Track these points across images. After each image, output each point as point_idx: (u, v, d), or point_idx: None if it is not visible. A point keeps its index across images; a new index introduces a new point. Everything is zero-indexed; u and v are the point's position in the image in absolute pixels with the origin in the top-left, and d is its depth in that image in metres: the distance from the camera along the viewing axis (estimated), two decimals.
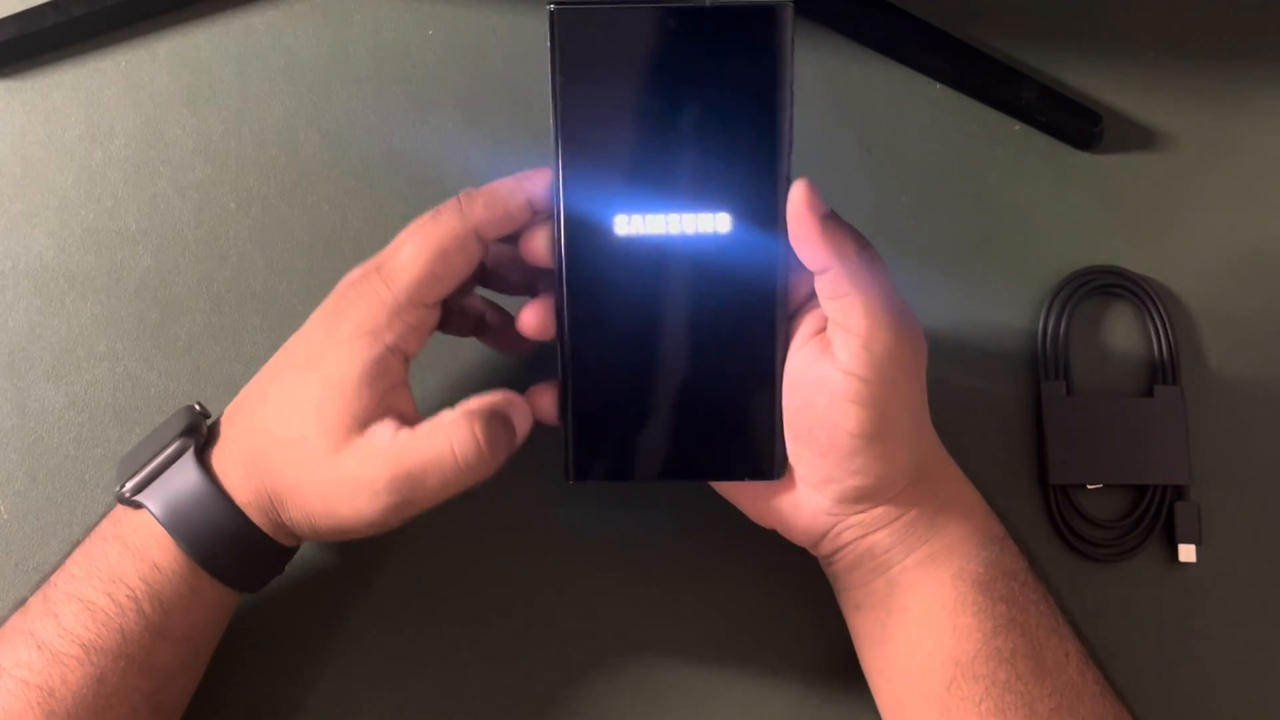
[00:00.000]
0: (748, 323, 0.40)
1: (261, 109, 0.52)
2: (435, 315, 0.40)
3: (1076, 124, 0.51)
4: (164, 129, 0.52)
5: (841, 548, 0.41)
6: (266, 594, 0.43)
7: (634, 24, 0.38)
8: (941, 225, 0.51)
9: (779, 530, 0.42)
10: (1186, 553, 0.48)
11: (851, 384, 0.38)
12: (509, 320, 0.43)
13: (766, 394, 0.40)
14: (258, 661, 0.46)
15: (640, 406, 0.41)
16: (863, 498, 0.40)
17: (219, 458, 0.40)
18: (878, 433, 0.38)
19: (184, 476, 0.39)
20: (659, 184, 0.39)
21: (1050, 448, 0.48)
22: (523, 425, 0.40)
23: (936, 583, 0.40)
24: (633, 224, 0.39)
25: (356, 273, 0.40)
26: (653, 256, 0.39)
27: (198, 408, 0.42)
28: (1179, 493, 0.48)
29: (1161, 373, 0.49)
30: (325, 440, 0.38)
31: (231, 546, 0.39)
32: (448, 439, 0.38)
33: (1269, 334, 0.50)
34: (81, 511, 0.48)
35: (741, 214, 0.39)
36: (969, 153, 0.52)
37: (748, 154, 0.39)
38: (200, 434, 0.41)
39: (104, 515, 0.41)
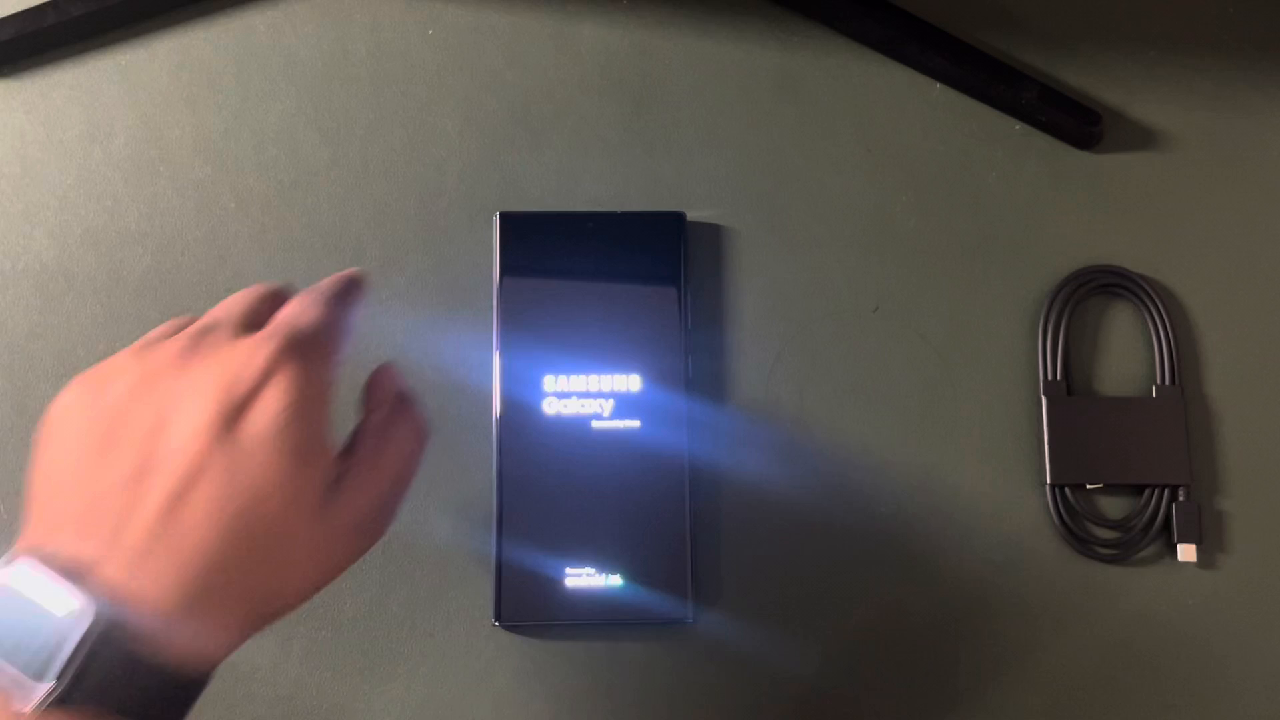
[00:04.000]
0: (658, 480, 0.46)
1: (261, 109, 0.52)
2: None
3: (1076, 124, 0.51)
4: (164, 129, 0.52)
5: None
6: None
7: (562, 226, 0.49)
8: (941, 225, 0.51)
9: None
10: (1186, 553, 0.48)
11: None
12: None
13: (677, 545, 0.46)
14: None
15: (561, 558, 0.46)
16: None
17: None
18: None
19: (112, 664, 0.30)
20: (581, 349, 0.47)
21: (1050, 448, 0.48)
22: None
23: None
24: (560, 399, 0.47)
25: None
26: (574, 430, 0.47)
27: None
28: (1179, 493, 0.48)
29: (1161, 373, 0.49)
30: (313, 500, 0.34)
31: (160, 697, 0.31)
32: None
33: (1269, 334, 0.50)
34: None
35: (650, 374, 0.47)
36: (969, 153, 0.52)
37: (654, 325, 0.48)
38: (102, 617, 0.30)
39: None
